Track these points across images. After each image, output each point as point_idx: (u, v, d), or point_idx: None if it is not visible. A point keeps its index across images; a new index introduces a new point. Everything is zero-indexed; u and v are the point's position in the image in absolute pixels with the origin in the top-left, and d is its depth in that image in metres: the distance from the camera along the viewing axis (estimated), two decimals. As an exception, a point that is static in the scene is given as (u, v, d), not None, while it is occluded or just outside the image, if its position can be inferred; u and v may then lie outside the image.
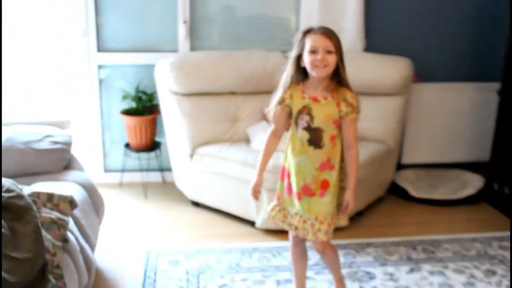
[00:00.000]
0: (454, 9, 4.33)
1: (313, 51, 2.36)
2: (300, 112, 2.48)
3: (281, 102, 2.51)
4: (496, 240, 3.59)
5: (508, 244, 3.53)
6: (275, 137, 2.60)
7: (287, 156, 2.60)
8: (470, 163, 4.55)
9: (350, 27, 4.13)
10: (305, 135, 2.48)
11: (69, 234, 2.38)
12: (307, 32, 2.40)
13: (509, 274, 3.18)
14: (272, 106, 2.55)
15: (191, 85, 3.73)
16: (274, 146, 2.63)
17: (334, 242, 3.41)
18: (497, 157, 4.11)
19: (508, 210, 3.99)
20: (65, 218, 2.29)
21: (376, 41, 4.23)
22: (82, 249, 2.49)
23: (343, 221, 2.66)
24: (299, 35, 2.43)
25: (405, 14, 4.27)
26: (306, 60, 2.39)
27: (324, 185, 2.53)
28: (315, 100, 2.45)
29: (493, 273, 3.19)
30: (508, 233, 3.67)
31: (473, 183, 4.27)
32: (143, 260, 3.19)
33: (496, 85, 4.07)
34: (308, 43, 2.37)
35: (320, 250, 2.70)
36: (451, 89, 4.36)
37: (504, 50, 3.97)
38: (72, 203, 2.39)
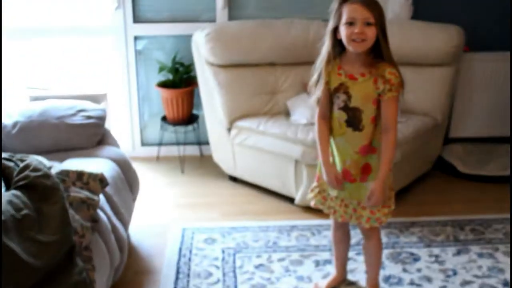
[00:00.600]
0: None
1: (350, 23, 2.13)
2: (336, 90, 2.29)
3: (322, 83, 2.30)
4: (551, 221, 3.39)
5: None
6: (325, 119, 2.36)
7: None
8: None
9: (396, -6, 3.91)
10: (343, 116, 2.29)
11: (100, 213, 2.31)
12: (344, 1, 2.17)
13: None
14: (312, 84, 2.35)
15: (227, 56, 3.59)
16: (327, 129, 2.36)
17: (376, 221, 3.30)
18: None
19: None
20: (95, 197, 2.22)
21: (424, 8, 3.99)
22: (114, 228, 2.42)
23: (383, 216, 2.42)
24: (335, 4, 2.20)
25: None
26: (343, 33, 2.17)
27: (366, 169, 2.35)
28: (352, 77, 2.25)
29: (547, 256, 3.01)
30: None
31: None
32: (178, 237, 3.11)
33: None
34: (345, 14, 2.14)
35: (364, 234, 2.55)
36: (504, 59, 4.08)
37: None
38: (102, 181, 2.31)
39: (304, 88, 3.68)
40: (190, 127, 4.05)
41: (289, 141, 3.30)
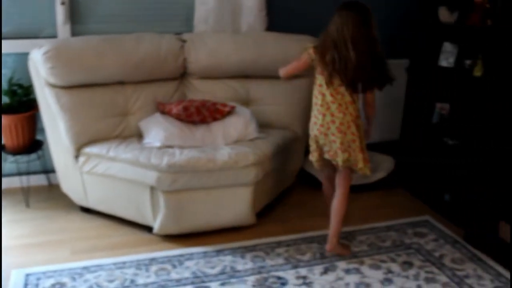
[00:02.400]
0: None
1: None
2: None
3: None
4: (410, 227, 3.44)
5: (423, 230, 3.38)
6: None
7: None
8: (382, 143, 4.36)
9: (251, 5, 3.79)
10: None
11: None
12: None
13: (426, 265, 3.01)
14: None
15: (70, 76, 3.25)
16: None
17: (240, 243, 3.14)
18: (406, 137, 3.97)
19: (418, 192, 3.85)
20: None
21: (278, 20, 3.92)
22: None
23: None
24: None
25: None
26: None
27: None
28: None
29: (410, 265, 3.02)
30: (422, 218, 3.54)
31: (384, 164, 4.10)
32: (20, 285, 2.73)
33: (405, 62, 3.89)
34: None
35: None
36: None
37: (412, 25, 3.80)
38: None
39: (157, 107, 3.44)
40: (34, 155, 3.65)
41: (142, 166, 3.04)
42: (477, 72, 3.33)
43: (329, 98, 2.88)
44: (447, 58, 3.61)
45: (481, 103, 3.18)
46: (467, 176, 3.40)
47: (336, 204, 3.04)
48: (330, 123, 2.90)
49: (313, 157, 3.07)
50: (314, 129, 2.99)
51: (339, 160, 2.92)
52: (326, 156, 2.99)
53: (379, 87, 2.90)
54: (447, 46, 3.62)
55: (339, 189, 3.04)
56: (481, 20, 3.31)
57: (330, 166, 3.07)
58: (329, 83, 2.85)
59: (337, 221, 3.05)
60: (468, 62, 3.46)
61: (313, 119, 3.00)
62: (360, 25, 2.77)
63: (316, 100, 2.96)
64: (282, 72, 3.13)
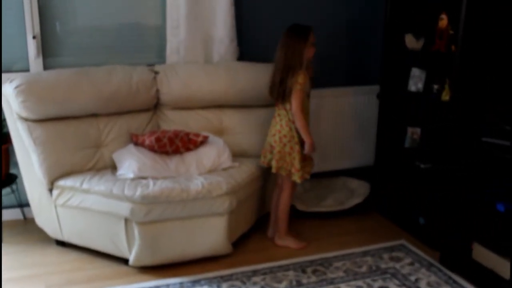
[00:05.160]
0: (327, 15, 4.19)
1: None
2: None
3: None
4: (387, 251, 3.45)
5: (399, 254, 3.40)
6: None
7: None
8: (357, 169, 4.40)
9: (222, 36, 3.84)
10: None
11: None
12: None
13: (402, 290, 3.03)
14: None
15: (42, 109, 3.26)
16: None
17: (216, 273, 3.14)
18: (380, 162, 4.01)
19: (393, 216, 3.89)
20: None
21: (250, 50, 3.97)
22: None
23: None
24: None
25: (277, 22, 4.02)
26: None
27: None
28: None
29: (386, 290, 3.02)
30: (398, 242, 3.56)
31: (360, 190, 4.13)
32: (-9, 323, 2.69)
33: (376, 89, 3.95)
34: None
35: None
36: (330, 94, 4.17)
37: (380, 52, 3.87)
38: None
39: (131, 139, 3.45)
40: (7, 189, 3.62)
41: (116, 198, 3.04)
42: (445, 96, 3.40)
43: None
44: (416, 83, 3.68)
45: (449, 126, 3.23)
46: (440, 199, 3.43)
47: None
48: None
49: None
50: None
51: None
52: None
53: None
54: (415, 72, 3.69)
55: None
56: (446, 45, 3.40)
57: None
58: None
59: None
60: (436, 86, 3.53)
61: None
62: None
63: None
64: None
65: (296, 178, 3.35)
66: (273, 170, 3.38)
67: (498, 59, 3.05)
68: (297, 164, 3.32)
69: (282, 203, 3.48)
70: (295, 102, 3.24)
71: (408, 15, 3.77)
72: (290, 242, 3.51)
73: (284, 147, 3.33)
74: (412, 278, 3.14)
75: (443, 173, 3.40)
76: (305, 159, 3.38)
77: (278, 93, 3.30)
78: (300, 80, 3.22)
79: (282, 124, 3.33)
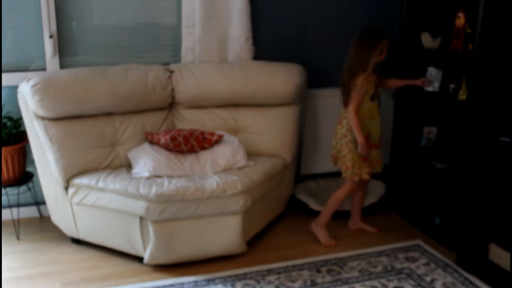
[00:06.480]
0: (341, 15, 4.16)
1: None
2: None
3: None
4: (402, 251, 3.43)
5: (414, 255, 3.37)
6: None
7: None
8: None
9: (237, 35, 3.84)
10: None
11: None
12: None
13: (418, 290, 3.00)
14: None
15: (59, 108, 3.28)
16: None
17: (231, 272, 3.14)
18: (396, 161, 3.99)
19: (409, 216, 3.86)
20: None
21: (265, 48, 3.96)
22: None
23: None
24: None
25: (294, 20, 4.04)
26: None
27: None
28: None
29: (402, 290, 3.01)
30: (413, 242, 3.54)
31: (375, 190, 4.11)
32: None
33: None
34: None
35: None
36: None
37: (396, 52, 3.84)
38: None
39: (146, 137, 3.47)
40: (24, 187, 3.65)
41: (131, 196, 3.05)
42: (462, 96, 3.37)
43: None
44: (432, 82, 3.65)
45: (466, 126, 3.20)
46: (456, 199, 3.41)
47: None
48: None
49: None
50: None
51: None
52: None
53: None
54: (432, 71, 3.66)
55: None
56: (463, 44, 3.37)
57: None
58: None
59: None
60: (452, 86, 3.50)
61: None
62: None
63: None
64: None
65: (347, 175, 3.46)
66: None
67: (515, 58, 3.02)
68: (348, 161, 3.43)
69: (334, 195, 3.56)
70: (351, 103, 3.34)
71: (425, 13, 3.73)
72: (321, 235, 3.54)
73: (341, 145, 3.47)
74: (428, 278, 3.12)
75: (460, 173, 3.37)
76: (365, 160, 3.44)
77: (343, 95, 3.41)
78: (358, 83, 3.31)
79: (343, 123, 3.46)
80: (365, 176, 3.47)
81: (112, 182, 3.16)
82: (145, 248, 3.14)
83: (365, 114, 3.40)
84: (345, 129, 3.43)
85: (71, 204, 3.30)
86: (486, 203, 3.16)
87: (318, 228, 3.56)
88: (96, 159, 3.36)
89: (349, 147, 3.42)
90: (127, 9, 3.83)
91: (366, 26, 3.44)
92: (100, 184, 3.17)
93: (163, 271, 3.15)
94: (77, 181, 3.25)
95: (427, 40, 3.64)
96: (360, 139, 3.34)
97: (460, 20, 3.38)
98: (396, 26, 3.85)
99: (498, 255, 3.10)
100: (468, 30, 3.33)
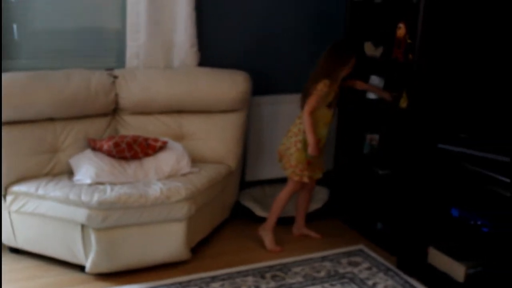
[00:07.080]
0: (288, 27, 4.19)
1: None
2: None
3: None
4: (345, 256, 3.48)
5: (357, 259, 3.43)
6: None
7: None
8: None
9: (182, 41, 3.81)
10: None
11: None
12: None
13: (360, 294, 3.06)
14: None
15: (-4, 113, 3.18)
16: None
17: (175, 279, 3.12)
18: (340, 168, 4.05)
19: (352, 222, 3.93)
20: None
21: (211, 55, 3.95)
22: None
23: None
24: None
25: (241, 27, 4.04)
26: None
27: None
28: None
29: (344, 295, 3.05)
30: (356, 247, 3.60)
31: (319, 195, 4.16)
32: None
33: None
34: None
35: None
36: (289, 100, 4.18)
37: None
38: None
39: (88, 144, 3.40)
40: (-40, 195, 3.52)
41: (72, 204, 2.99)
42: (403, 104, 3.45)
43: None
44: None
45: (407, 133, 3.29)
46: (397, 205, 3.48)
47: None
48: None
49: None
50: None
51: None
52: None
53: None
54: (374, 79, 3.75)
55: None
56: (403, 54, 3.46)
57: None
58: None
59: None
60: (393, 94, 3.59)
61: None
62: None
63: None
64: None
65: (288, 173, 3.53)
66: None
67: (453, 68, 3.12)
68: (292, 160, 3.50)
69: (278, 198, 3.61)
70: (306, 105, 3.40)
71: (368, 24, 3.82)
72: (267, 239, 3.58)
73: (290, 143, 3.51)
74: (370, 282, 3.18)
75: (400, 179, 3.45)
76: (309, 163, 3.49)
77: (302, 98, 3.47)
78: (319, 87, 3.37)
79: (296, 123, 3.53)
80: (305, 179, 3.51)
81: (53, 189, 3.09)
82: (86, 256, 3.08)
83: (320, 119, 3.46)
84: (297, 128, 3.49)
85: (9, 213, 3.21)
86: (425, 208, 3.25)
87: (265, 232, 3.58)
88: (36, 165, 3.28)
89: (297, 147, 3.47)
90: (70, 13, 3.74)
91: (338, 39, 3.61)
92: (40, 192, 3.09)
93: (105, 280, 3.09)
94: (16, 188, 3.16)
95: (369, 48, 3.72)
96: (311, 140, 3.38)
97: (401, 31, 3.48)
98: (341, 34, 3.92)
99: (437, 258, 3.20)
100: (409, 41, 3.42)
